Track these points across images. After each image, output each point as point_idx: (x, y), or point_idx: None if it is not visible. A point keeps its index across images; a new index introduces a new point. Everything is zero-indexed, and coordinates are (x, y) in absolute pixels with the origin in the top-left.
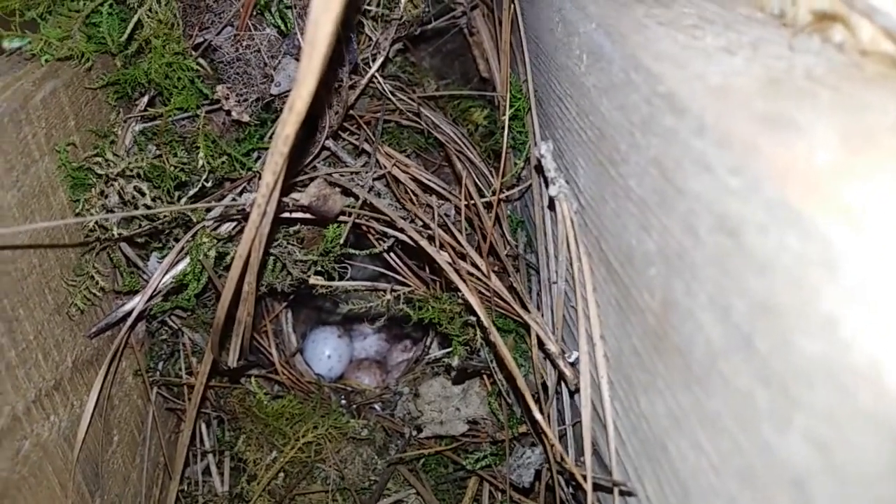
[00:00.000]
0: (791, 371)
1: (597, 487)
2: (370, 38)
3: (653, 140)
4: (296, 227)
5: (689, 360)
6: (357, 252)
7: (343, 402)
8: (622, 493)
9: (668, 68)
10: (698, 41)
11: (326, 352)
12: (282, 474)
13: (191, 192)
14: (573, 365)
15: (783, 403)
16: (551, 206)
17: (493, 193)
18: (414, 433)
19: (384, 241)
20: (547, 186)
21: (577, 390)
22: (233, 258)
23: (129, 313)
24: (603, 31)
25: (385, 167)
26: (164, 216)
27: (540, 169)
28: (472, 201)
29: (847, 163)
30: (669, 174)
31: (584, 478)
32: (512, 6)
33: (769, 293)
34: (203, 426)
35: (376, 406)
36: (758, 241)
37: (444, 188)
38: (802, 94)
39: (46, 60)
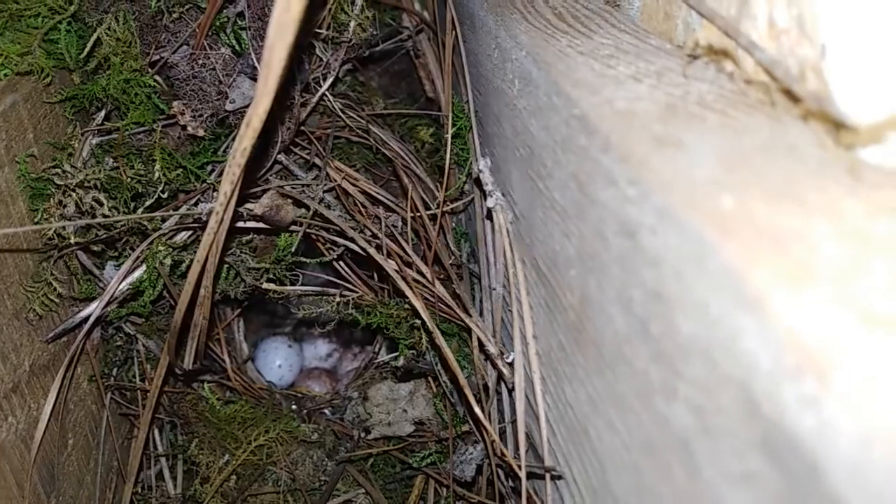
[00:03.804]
0: (675, 349)
1: (531, 476)
2: (321, 59)
3: (571, 157)
4: (249, 237)
5: (601, 349)
6: (308, 260)
7: (294, 407)
8: (553, 478)
9: (584, 94)
10: (612, 69)
11: (277, 361)
12: (234, 476)
13: (147, 203)
14: (511, 365)
15: (671, 378)
16: (489, 217)
17: (438, 206)
18: (363, 435)
19: (334, 250)
20: (485, 199)
21: (515, 388)
22: (188, 266)
23: (86, 319)
24: (531, 59)
25: (335, 180)
26: (122, 225)
27: (479, 183)
28: (418, 213)
29: (721, 177)
30: (584, 186)
31: (520, 467)
32: (454, 32)
33: (659, 285)
34: (156, 431)
35: (326, 411)
36: (649, 241)
37: (391, 201)
38: (693, 117)
39: (6, 75)
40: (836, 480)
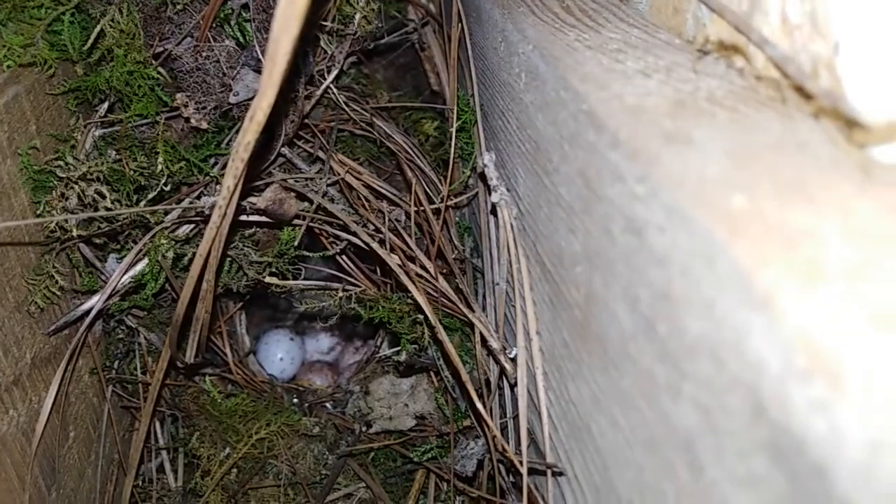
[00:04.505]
0: (681, 348)
1: (532, 472)
2: (325, 52)
3: (578, 152)
4: (252, 230)
5: (606, 346)
6: (311, 254)
7: (295, 400)
8: (554, 474)
9: (592, 89)
10: (620, 64)
11: (279, 354)
12: (235, 470)
13: (149, 196)
14: (513, 360)
15: (676, 377)
16: (494, 212)
17: (442, 200)
18: (364, 429)
19: (337, 244)
20: (490, 194)
21: (517, 383)
22: (190, 259)
23: (88, 312)
24: (539, 53)
25: (338, 174)
26: (124, 218)
27: (484, 177)
28: (422, 207)
29: (731, 174)
30: (591, 183)
31: (521, 463)
32: (460, 25)
33: (666, 284)
34: (157, 424)
35: (328, 404)
36: (657, 239)
37: (395, 195)
38: (702, 114)
39: (9, 66)
40: (844, 486)
